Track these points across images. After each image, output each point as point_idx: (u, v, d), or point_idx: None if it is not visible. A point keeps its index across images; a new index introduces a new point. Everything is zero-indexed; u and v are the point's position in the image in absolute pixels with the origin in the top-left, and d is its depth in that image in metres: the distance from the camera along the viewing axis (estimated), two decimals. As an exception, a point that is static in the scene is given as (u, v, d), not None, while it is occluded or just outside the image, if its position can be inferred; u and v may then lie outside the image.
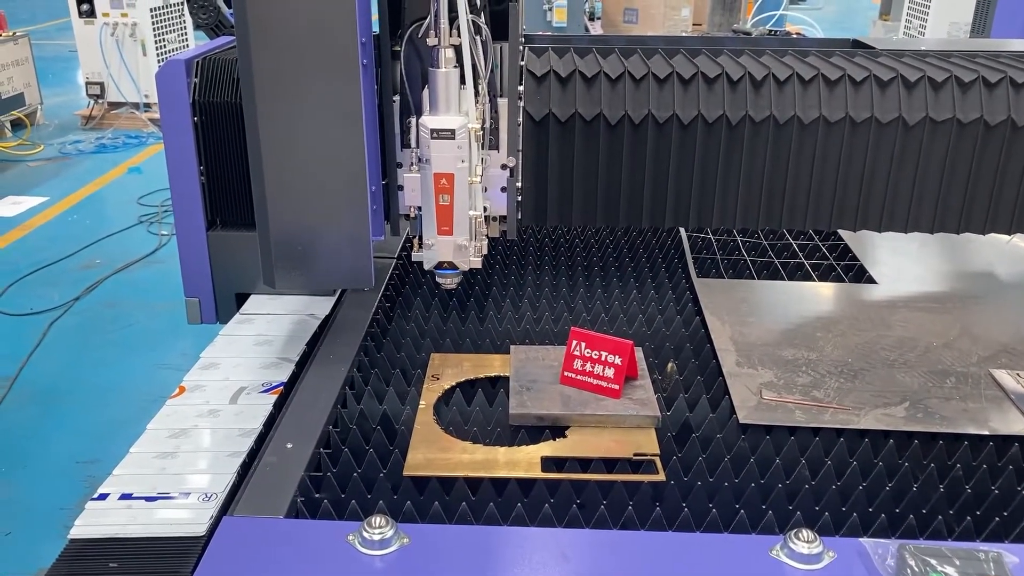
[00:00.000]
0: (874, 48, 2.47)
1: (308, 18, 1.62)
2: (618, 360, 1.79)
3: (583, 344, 1.82)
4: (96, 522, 1.47)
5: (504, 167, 2.00)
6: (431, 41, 1.74)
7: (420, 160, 1.81)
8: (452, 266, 1.91)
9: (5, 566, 3.19)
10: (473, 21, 1.76)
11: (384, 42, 1.86)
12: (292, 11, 1.62)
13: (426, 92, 1.81)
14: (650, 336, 2.14)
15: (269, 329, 2.11)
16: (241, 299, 2.25)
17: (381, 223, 1.97)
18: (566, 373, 1.83)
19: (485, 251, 1.95)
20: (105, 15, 8.54)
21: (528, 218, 2.14)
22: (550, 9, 8.14)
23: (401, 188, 1.95)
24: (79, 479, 3.66)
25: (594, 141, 2.06)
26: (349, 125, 1.70)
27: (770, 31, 3.55)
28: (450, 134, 1.74)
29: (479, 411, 1.80)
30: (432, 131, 1.75)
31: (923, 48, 2.43)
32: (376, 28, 1.86)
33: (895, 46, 2.59)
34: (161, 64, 2.44)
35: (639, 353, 1.92)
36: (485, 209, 1.97)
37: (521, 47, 2.04)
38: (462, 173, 1.78)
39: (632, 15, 9.08)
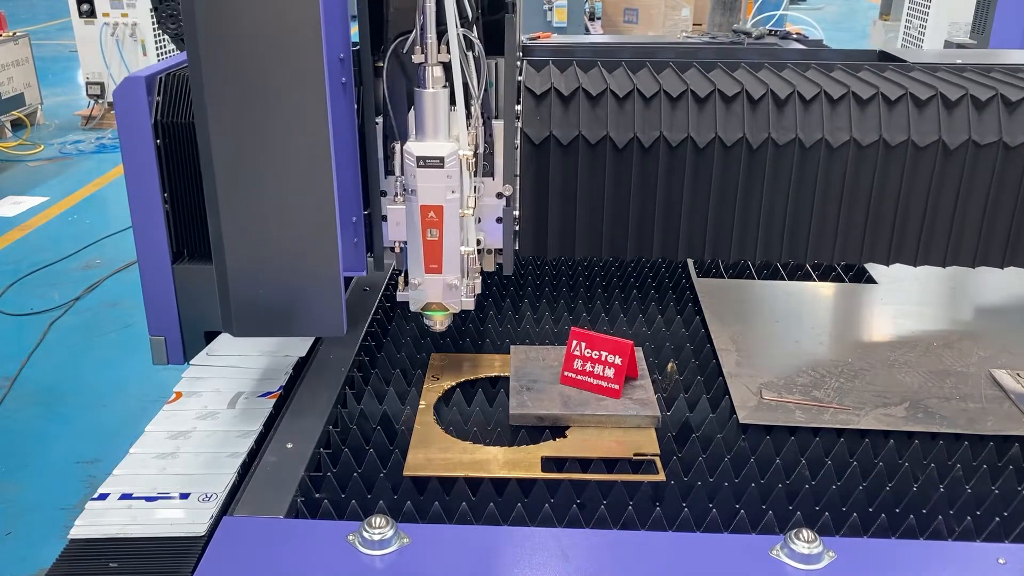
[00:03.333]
0: (904, 61, 2.26)
1: (266, 29, 1.41)
2: (618, 360, 1.79)
3: (583, 344, 1.82)
4: (96, 522, 1.47)
5: (500, 196, 1.82)
6: (417, 58, 1.57)
7: (405, 190, 1.64)
8: (441, 307, 1.76)
9: (5, 566, 3.19)
10: (464, 35, 1.59)
11: (365, 57, 1.69)
12: (248, 21, 1.41)
13: (412, 114, 1.64)
14: (650, 336, 2.14)
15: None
16: (211, 337, 2.02)
17: (363, 257, 1.82)
18: (566, 373, 1.83)
19: (479, 290, 1.79)
20: (105, 15, 8.55)
21: (527, 249, 1.95)
22: (550, 9, 8.14)
23: (385, 219, 1.77)
24: (79, 479, 3.67)
25: (599, 166, 1.87)
26: (315, 155, 1.50)
27: (770, 31, 3.54)
28: (438, 162, 1.59)
29: (479, 411, 1.80)
30: (418, 159, 1.59)
31: (959, 61, 2.21)
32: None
33: (926, 58, 2.37)
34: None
35: (639, 353, 1.92)
36: (479, 242, 1.82)
37: (519, 62, 1.87)
38: (452, 205, 1.63)
39: (632, 15, 9.08)
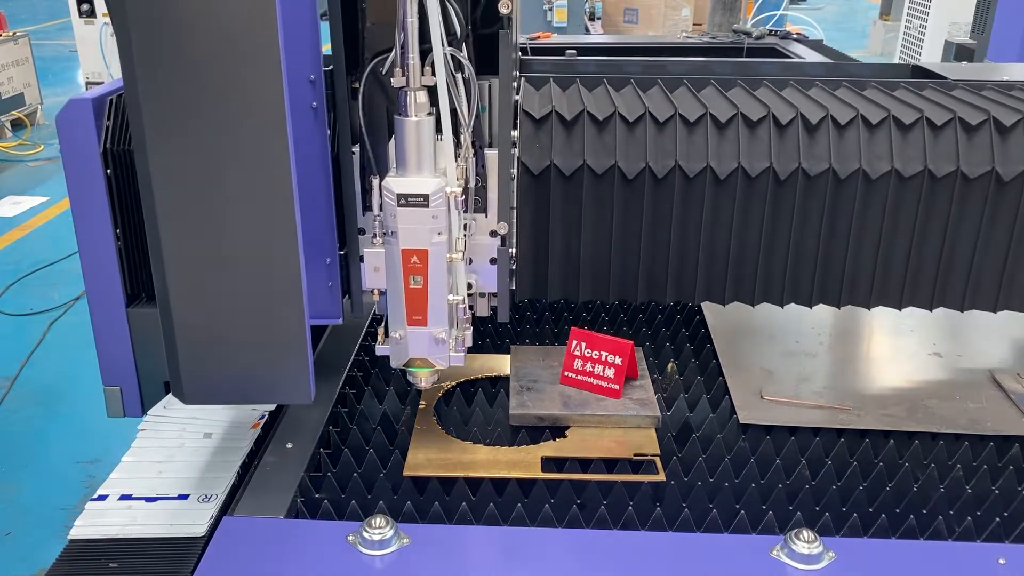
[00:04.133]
0: (945, 78, 2.01)
1: (213, 36, 1.20)
2: (618, 360, 1.79)
3: (583, 344, 1.82)
4: (96, 522, 1.47)
5: (494, 234, 1.61)
6: (397, 81, 1.35)
7: (385, 231, 1.43)
8: (426, 363, 1.53)
9: (5, 566, 3.19)
10: (452, 55, 1.38)
11: (339, 79, 1.50)
12: (191, 29, 1.19)
13: (392, 144, 1.44)
14: (650, 336, 2.14)
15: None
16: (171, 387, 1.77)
17: (338, 302, 1.64)
18: (566, 373, 1.83)
19: (469, 343, 1.57)
20: (105, 15, 8.53)
21: (525, 291, 1.75)
22: (550, 9, 8.14)
23: (363, 260, 1.57)
24: (79, 479, 3.67)
25: (606, 199, 1.67)
26: (274, 192, 1.27)
27: (770, 31, 3.55)
28: (422, 201, 1.37)
29: (479, 411, 1.80)
30: (399, 197, 1.37)
31: (1006, 78, 1.98)
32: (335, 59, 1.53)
33: (967, 74, 2.11)
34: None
35: (639, 353, 1.92)
36: (470, 286, 1.60)
37: (515, 81, 1.63)
38: (438, 249, 1.41)
39: (632, 15, 9.09)
